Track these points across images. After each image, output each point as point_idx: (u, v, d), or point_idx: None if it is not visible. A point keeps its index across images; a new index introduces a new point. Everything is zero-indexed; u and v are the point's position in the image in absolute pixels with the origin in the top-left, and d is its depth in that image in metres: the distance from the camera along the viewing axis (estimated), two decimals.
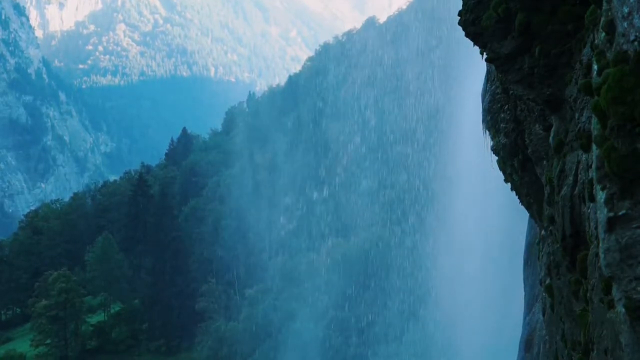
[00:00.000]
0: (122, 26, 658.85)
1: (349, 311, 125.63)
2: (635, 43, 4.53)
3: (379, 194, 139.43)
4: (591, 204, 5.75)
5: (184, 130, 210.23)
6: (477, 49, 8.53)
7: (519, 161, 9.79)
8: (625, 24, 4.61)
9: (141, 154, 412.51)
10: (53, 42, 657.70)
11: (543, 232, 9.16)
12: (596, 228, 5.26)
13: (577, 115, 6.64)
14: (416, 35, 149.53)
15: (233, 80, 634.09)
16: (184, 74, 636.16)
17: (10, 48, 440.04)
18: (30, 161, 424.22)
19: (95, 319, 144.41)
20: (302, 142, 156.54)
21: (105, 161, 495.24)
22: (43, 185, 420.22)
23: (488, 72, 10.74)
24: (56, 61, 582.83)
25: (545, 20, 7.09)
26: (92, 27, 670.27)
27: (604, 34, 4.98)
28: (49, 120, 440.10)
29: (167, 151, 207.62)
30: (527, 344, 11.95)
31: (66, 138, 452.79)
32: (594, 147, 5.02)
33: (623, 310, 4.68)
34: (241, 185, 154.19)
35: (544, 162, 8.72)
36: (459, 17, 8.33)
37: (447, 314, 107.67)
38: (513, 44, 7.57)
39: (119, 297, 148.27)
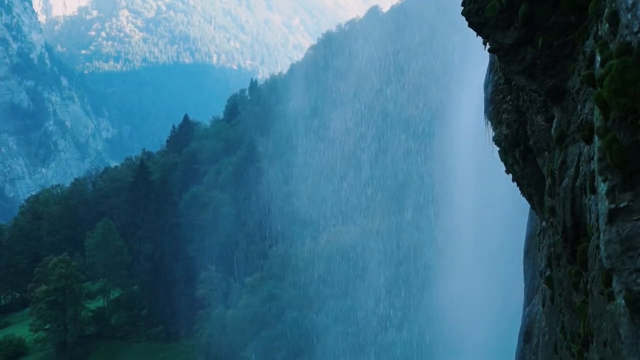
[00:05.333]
0: (125, 12, 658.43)
1: (348, 300, 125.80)
2: (639, 35, 4.52)
3: (380, 183, 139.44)
4: (592, 196, 5.74)
5: (186, 117, 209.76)
6: (480, 39, 8.52)
7: (520, 152, 9.79)
8: (628, 16, 4.60)
9: (142, 140, 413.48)
10: (56, 27, 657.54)
11: (544, 223, 9.17)
12: (597, 220, 5.26)
13: (579, 106, 6.63)
14: (419, 24, 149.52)
15: (235, 67, 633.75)
16: (186, 60, 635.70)
17: (13, 33, 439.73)
18: (31, 146, 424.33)
19: (94, 304, 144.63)
20: (304, 131, 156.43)
21: (106, 147, 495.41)
22: (44, 171, 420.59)
23: (491, 63, 10.74)
24: (59, 46, 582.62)
25: (548, 11, 7.08)
26: (95, 13, 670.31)
27: (607, 25, 4.97)
28: (50, 106, 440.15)
29: (168, 138, 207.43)
30: (526, 336, 11.95)
31: (68, 123, 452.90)
32: (595, 138, 5.01)
33: (623, 302, 4.68)
34: (242, 173, 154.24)
35: (546, 153, 8.71)
36: (463, 7, 8.32)
37: (447, 304, 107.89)
38: (516, 34, 7.57)
39: (118, 283, 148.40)
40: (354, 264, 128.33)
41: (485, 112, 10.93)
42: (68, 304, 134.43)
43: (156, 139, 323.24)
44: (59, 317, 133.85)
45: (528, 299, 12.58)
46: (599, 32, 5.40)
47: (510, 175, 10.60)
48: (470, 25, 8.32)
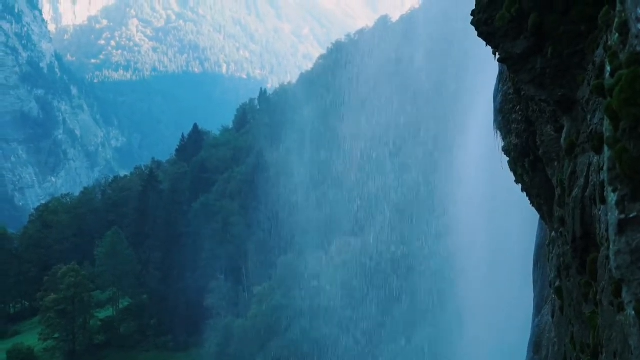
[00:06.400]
0: (135, 21, 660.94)
1: (357, 310, 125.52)
2: None
3: (389, 193, 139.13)
4: (602, 206, 5.72)
5: (195, 126, 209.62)
6: (489, 48, 8.51)
7: (529, 162, 9.77)
8: (638, 26, 4.59)
9: (152, 150, 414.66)
10: (66, 37, 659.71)
11: (553, 233, 9.14)
12: (607, 230, 5.23)
13: (589, 116, 6.61)
14: (428, 34, 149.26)
15: (245, 76, 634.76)
16: (196, 70, 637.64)
17: (23, 42, 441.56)
18: (41, 155, 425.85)
19: (103, 313, 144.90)
20: (313, 140, 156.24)
21: (115, 156, 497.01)
22: (53, 179, 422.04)
23: (500, 72, 10.72)
24: (68, 55, 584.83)
25: (558, 21, 7.07)
26: (104, 22, 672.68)
27: (617, 35, 4.95)
28: (60, 115, 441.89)
29: (177, 147, 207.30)
30: (535, 346, 11.92)
31: (77, 132, 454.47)
32: (605, 148, 5.00)
33: (632, 313, 4.67)
34: (251, 182, 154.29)
35: (555, 163, 8.69)
36: (472, 17, 8.31)
37: (456, 315, 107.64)
38: (525, 44, 7.55)
39: (127, 292, 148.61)
40: (363, 274, 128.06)
41: (494, 121, 10.92)
42: (77, 313, 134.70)
43: (166, 148, 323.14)
44: (68, 326, 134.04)
45: (537, 310, 12.54)
46: (609, 42, 5.39)
47: (520, 185, 10.58)
48: (479, 35, 8.31)
